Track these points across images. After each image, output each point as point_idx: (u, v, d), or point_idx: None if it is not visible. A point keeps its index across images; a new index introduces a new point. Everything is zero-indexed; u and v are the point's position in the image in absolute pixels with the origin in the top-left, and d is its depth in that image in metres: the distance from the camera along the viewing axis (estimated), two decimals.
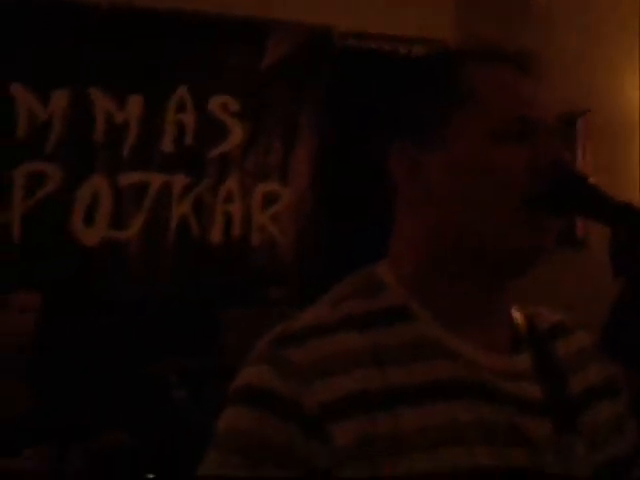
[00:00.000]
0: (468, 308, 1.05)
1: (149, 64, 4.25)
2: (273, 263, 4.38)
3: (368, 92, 1.15)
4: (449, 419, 0.98)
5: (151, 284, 4.25)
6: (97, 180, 4.20)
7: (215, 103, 4.39)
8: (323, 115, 4.43)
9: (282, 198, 4.44)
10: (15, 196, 4.07)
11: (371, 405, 0.96)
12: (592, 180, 0.99)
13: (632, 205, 0.92)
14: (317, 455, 0.94)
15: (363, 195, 1.09)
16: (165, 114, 4.30)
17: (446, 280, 1.05)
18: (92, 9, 4.14)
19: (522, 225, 1.01)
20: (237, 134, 4.41)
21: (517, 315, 1.12)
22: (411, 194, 1.06)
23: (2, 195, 4.05)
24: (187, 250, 4.33)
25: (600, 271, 1.98)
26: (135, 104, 4.26)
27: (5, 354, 3.36)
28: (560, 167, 1.02)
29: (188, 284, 4.29)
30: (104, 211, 4.21)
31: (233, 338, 3.85)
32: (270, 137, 4.46)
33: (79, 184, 4.16)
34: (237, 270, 4.38)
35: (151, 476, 3.05)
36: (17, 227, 4.06)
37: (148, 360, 3.78)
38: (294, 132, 4.46)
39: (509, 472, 0.99)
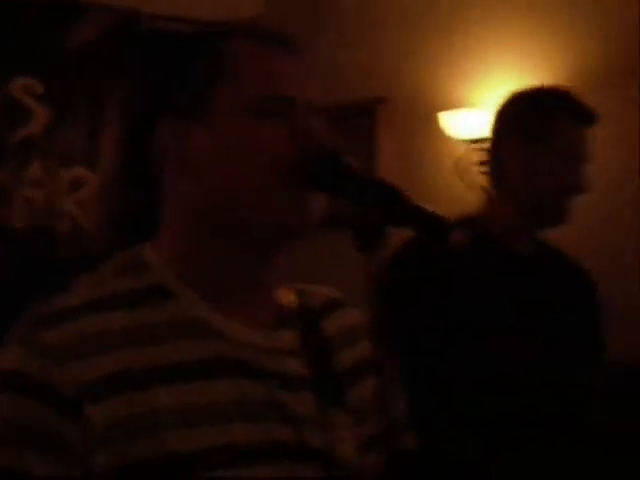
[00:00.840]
0: (231, 286, 1.06)
1: None
2: (80, 250, 4.30)
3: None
4: (208, 397, 0.99)
5: None
6: None
7: (17, 85, 4.26)
8: (130, 98, 4.39)
9: (88, 183, 4.36)
10: None
11: (128, 385, 0.96)
12: (348, 160, 1.01)
13: (385, 184, 0.95)
14: (76, 437, 0.93)
15: None
16: None
17: (208, 258, 1.05)
18: None
19: (283, 201, 1.02)
20: (41, 117, 4.29)
21: (286, 292, 1.14)
22: (174, 170, 1.07)
23: None
24: None
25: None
26: None
27: None
28: (318, 146, 1.03)
29: None
30: None
31: None
32: (76, 121, 4.37)
33: None
34: (42, 257, 4.28)
35: None
36: None
37: None
38: (101, 116, 4.39)
39: (269, 447, 1.00)
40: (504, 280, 2.06)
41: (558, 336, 2.07)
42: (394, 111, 4.47)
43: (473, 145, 3.98)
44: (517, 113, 2.16)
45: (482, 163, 3.89)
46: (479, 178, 3.94)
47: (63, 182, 4.33)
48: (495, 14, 4.00)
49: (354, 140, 4.64)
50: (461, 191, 3.94)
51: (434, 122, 4.13)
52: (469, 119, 3.93)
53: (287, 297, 1.14)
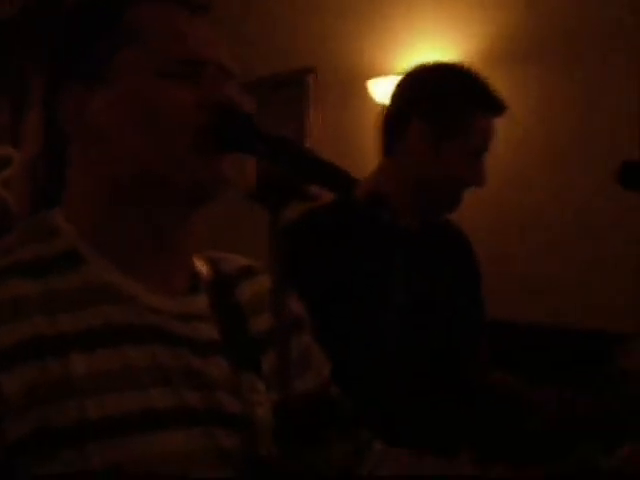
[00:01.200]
0: (143, 251, 1.05)
1: None
2: (5, 229, 4.23)
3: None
4: (121, 363, 0.98)
5: None
6: None
7: None
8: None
9: (14, 162, 4.29)
10: None
11: (40, 352, 0.95)
12: (253, 119, 1.02)
13: (291, 141, 0.95)
14: None
15: None
16: None
17: (119, 223, 1.04)
18: None
19: (193, 160, 1.01)
20: None
21: (199, 259, 1.13)
22: (78, 134, 1.05)
23: None
24: None
25: None
26: None
27: None
28: (225, 105, 1.02)
29: None
30: None
31: None
32: (0, 99, 4.29)
33: None
34: None
35: None
36: None
37: None
38: (23, 94, 4.32)
39: (183, 411, 1.00)
40: (389, 255, 2.00)
41: (446, 308, 2.06)
42: (323, 80, 4.48)
43: None
44: (429, 98, 2.02)
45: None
46: None
47: None
48: None
49: (285, 110, 4.64)
50: None
51: (363, 90, 4.14)
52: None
53: (201, 264, 1.14)
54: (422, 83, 2.08)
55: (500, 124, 2.05)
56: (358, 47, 4.29)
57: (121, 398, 0.97)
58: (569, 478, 1.33)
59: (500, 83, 2.18)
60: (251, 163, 1.01)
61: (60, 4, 4.54)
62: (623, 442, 1.39)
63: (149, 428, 0.97)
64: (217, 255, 1.18)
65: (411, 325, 1.98)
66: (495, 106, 2.01)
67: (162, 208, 1.05)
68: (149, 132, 1.01)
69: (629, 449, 1.36)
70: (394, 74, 4.01)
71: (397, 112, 2.09)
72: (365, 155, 4.28)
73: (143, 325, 1.02)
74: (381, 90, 4.03)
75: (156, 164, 1.02)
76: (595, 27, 3.50)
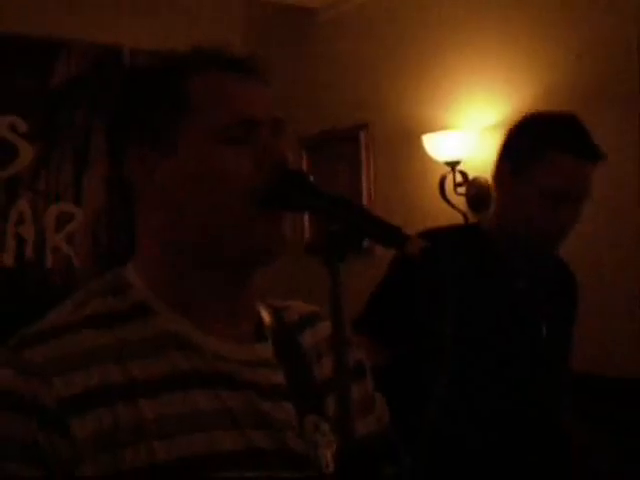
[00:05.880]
0: (208, 305, 1.10)
1: None
2: (69, 284, 4.33)
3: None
4: (189, 408, 1.03)
5: None
6: None
7: (3, 124, 4.30)
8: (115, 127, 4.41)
9: (76, 218, 4.40)
10: None
11: (111, 399, 0.99)
12: (311, 178, 1.07)
13: (345, 199, 1.00)
14: (60, 449, 0.97)
15: None
16: None
17: (188, 277, 1.10)
18: None
19: (255, 226, 1.07)
20: (26, 155, 4.33)
21: (264, 308, 1.18)
22: (148, 197, 1.11)
23: None
24: None
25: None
26: None
27: None
28: (282, 164, 1.08)
29: None
30: None
31: None
32: (61, 157, 4.41)
33: None
34: (33, 293, 4.30)
35: None
36: None
37: None
38: (86, 151, 4.43)
39: (251, 453, 1.04)
40: (486, 289, 2.04)
41: (540, 354, 2.08)
42: (378, 136, 4.53)
43: (456, 167, 4.04)
44: (510, 139, 2.08)
45: (458, 184, 3.98)
46: (460, 198, 4.02)
47: (50, 217, 4.36)
48: (474, 42, 4.07)
49: (341, 166, 4.70)
50: (445, 211, 4.00)
51: (417, 145, 4.19)
52: (450, 141, 3.99)
53: (265, 313, 1.19)
54: (511, 129, 2.11)
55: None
56: (411, 103, 4.35)
57: (189, 441, 1.01)
58: None
59: None
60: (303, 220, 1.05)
61: (123, 68, 4.64)
62: None
63: (218, 470, 1.01)
64: (280, 303, 1.23)
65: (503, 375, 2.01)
66: (570, 147, 1.96)
67: (226, 272, 1.10)
68: (211, 198, 1.07)
69: None
70: (448, 129, 4.06)
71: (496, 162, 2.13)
72: (420, 208, 4.34)
73: (210, 371, 1.07)
74: (434, 145, 4.07)
75: (220, 229, 1.07)
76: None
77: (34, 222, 4.33)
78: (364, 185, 4.56)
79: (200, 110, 1.09)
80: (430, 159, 4.12)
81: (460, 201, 4.05)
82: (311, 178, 1.08)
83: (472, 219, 3.98)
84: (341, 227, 0.97)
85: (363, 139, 4.57)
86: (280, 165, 1.08)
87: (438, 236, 2.06)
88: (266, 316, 1.18)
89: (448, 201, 4.05)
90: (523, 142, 2.03)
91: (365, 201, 4.49)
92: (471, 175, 4.03)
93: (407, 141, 4.32)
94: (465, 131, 4.00)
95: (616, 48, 3.53)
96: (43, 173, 4.36)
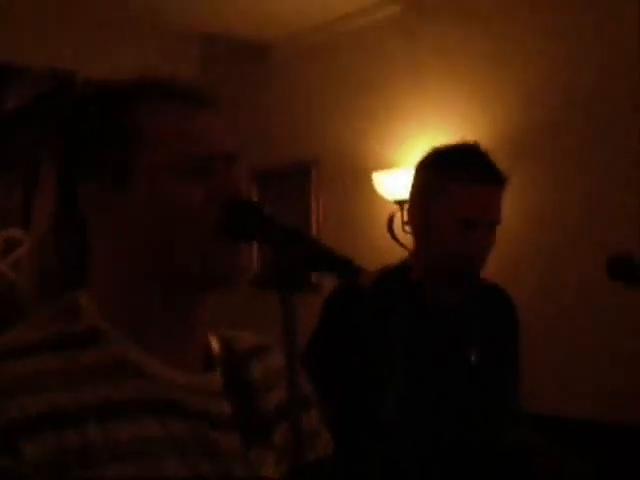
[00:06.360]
0: (160, 332, 1.11)
1: None
2: (12, 311, 4.27)
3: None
4: (136, 434, 1.03)
5: None
6: None
7: None
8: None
9: (23, 244, 4.35)
10: None
11: (60, 423, 1.00)
12: (262, 209, 1.08)
13: (299, 230, 1.01)
14: (11, 470, 0.97)
15: None
16: None
17: (139, 304, 1.11)
18: None
19: (209, 253, 1.08)
20: None
21: (214, 338, 1.19)
22: (101, 228, 1.12)
23: None
24: None
25: None
26: None
27: None
28: (236, 196, 1.09)
29: None
30: None
31: None
32: (10, 183, 4.38)
33: None
34: None
35: None
36: None
37: None
38: (35, 178, 4.40)
39: None
40: (420, 328, 2.07)
41: (481, 379, 2.11)
42: (328, 172, 4.57)
43: (404, 205, 4.08)
44: (418, 172, 2.15)
45: (406, 223, 4.03)
46: (408, 237, 4.06)
47: None
48: (423, 81, 4.14)
49: (290, 201, 4.72)
50: (393, 249, 4.03)
51: (367, 182, 4.23)
52: (400, 179, 4.03)
53: (214, 342, 1.19)
54: (417, 166, 2.18)
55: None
56: (362, 140, 4.39)
57: (136, 467, 1.02)
58: None
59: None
60: (253, 251, 1.06)
61: (70, 96, 4.65)
62: None
63: None
64: (229, 333, 1.24)
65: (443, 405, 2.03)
66: (473, 176, 2.02)
67: (179, 296, 1.11)
68: (167, 230, 1.08)
69: None
70: (398, 167, 4.11)
71: (410, 197, 2.20)
72: (368, 245, 4.37)
73: (159, 398, 1.07)
74: (384, 182, 4.11)
75: (174, 259, 1.08)
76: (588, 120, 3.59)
77: None
78: (313, 219, 4.60)
79: (151, 143, 1.09)
80: (379, 197, 4.17)
81: (408, 239, 4.08)
82: (263, 209, 1.09)
83: None
84: (295, 258, 0.98)
85: (314, 175, 4.61)
86: (233, 197, 1.08)
87: (382, 274, 2.09)
88: (215, 345, 1.19)
89: (396, 239, 4.09)
90: (429, 177, 2.09)
91: (314, 236, 4.52)
92: None
93: (357, 178, 4.37)
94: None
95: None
96: None
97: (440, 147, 2.16)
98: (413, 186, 2.16)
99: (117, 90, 1.14)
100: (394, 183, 4.06)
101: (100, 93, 1.16)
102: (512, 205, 2.27)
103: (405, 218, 4.05)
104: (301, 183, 4.65)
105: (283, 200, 4.75)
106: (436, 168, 2.09)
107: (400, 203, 4.07)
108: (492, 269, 2.18)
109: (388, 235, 4.14)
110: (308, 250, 0.99)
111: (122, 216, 1.10)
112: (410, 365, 1.99)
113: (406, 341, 2.01)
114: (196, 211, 1.07)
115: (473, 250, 2.04)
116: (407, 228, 4.05)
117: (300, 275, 0.98)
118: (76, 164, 1.14)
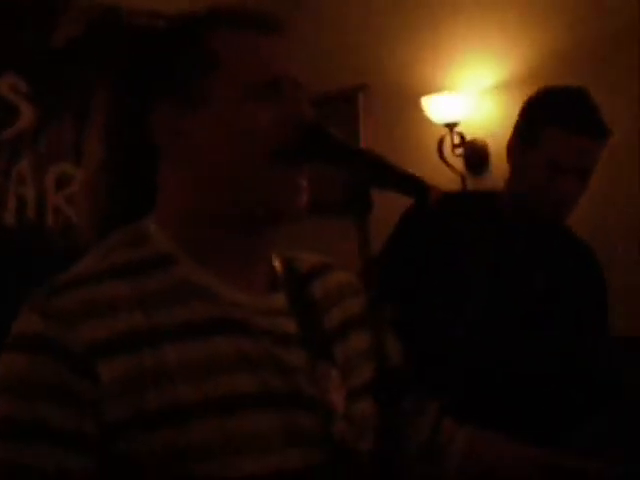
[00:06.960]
0: (227, 255, 1.15)
1: None
2: (69, 244, 4.35)
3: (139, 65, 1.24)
4: (209, 353, 1.08)
5: None
6: None
7: (4, 84, 4.30)
8: (114, 94, 4.41)
9: (76, 179, 4.41)
10: None
11: (136, 344, 1.05)
12: (330, 130, 1.11)
13: (366, 150, 1.05)
14: (87, 390, 1.02)
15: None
16: None
17: (207, 229, 1.14)
18: None
19: (278, 183, 1.12)
20: (27, 115, 4.33)
21: (277, 259, 1.23)
22: (172, 151, 1.15)
23: None
24: None
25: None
26: None
27: None
28: (303, 122, 1.13)
29: None
30: None
31: None
32: (62, 118, 4.41)
33: None
34: (33, 253, 4.33)
35: None
36: None
37: None
38: (86, 112, 4.43)
39: (267, 396, 1.10)
40: (490, 248, 2.13)
41: (548, 311, 2.14)
42: (377, 97, 4.53)
43: (454, 128, 4.05)
44: (523, 110, 2.17)
45: (456, 146, 4.01)
46: (458, 160, 4.04)
47: (50, 178, 4.38)
48: (471, 3, 4.06)
49: (337, 127, 4.70)
50: (444, 173, 4.02)
51: (416, 107, 4.19)
52: (449, 102, 4.00)
53: (278, 264, 1.24)
54: (523, 103, 2.20)
55: None
56: (410, 65, 4.35)
57: (210, 383, 1.07)
58: None
59: None
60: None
61: (122, 28, 4.64)
62: None
63: (236, 409, 1.07)
64: (290, 254, 1.28)
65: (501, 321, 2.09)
66: (583, 124, 2.03)
67: (245, 224, 1.15)
68: (235, 152, 1.12)
69: None
70: (445, 91, 4.07)
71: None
72: (418, 170, 4.33)
73: (228, 319, 1.12)
74: (433, 107, 4.08)
75: (242, 183, 1.12)
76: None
77: (34, 183, 4.35)
78: (362, 145, 4.58)
79: (229, 66, 1.13)
80: (428, 121, 4.13)
81: (458, 162, 4.07)
82: (330, 132, 1.12)
83: (469, 180, 4.01)
84: (366, 179, 1.01)
85: (361, 101, 4.58)
86: (303, 120, 1.12)
87: (456, 197, 2.22)
88: (279, 267, 1.23)
89: (446, 162, 4.08)
90: (531, 117, 2.12)
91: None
92: (468, 137, 4.04)
93: (406, 103, 4.33)
94: (463, 93, 4.01)
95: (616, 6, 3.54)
96: (44, 134, 4.37)
97: (548, 87, 2.17)
98: (516, 122, 2.18)
99: (192, 20, 1.18)
100: (443, 106, 4.03)
101: (174, 23, 1.20)
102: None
103: (455, 141, 4.04)
104: (348, 109, 4.62)
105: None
106: (538, 109, 2.11)
107: (449, 126, 4.04)
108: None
109: (438, 159, 4.11)
110: (379, 169, 1.02)
111: (191, 140, 1.13)
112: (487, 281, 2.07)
113: (484, 258, 2.08)
114: (262, 132, 1.11)
115: (559, 195, 2.06)
116: (457, 151, 4.05)
117: (370, 196, 1.00)
118: (147, 92, 1.17)
